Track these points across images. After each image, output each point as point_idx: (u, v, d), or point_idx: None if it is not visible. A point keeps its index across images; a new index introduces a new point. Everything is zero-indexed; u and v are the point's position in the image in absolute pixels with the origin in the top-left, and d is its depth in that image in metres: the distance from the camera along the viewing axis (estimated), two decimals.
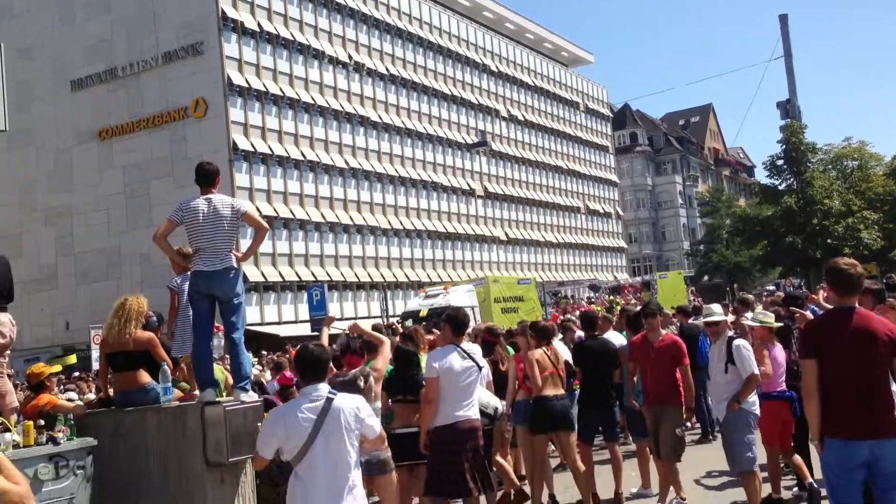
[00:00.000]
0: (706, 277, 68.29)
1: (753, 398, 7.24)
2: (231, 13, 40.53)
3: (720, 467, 8.48)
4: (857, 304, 4.78)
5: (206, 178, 6.67)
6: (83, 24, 43.90)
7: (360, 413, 4.49)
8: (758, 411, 7.27)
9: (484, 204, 56.79)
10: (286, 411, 4.55)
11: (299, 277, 41.55)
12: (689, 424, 9.90)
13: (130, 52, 42.43)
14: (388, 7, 50.91)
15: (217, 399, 6.24)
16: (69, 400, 7.71)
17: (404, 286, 47.42)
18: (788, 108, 29.28)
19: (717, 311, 7.76)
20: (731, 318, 8.67)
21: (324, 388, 4.47)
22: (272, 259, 41.28)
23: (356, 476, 4.47)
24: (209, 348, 6.71)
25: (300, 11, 44.77)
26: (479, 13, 61.26)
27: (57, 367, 7.83)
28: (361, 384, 6.61)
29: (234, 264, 6.41)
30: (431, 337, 9.14)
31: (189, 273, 6.62)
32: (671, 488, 7.92)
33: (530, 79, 64.16)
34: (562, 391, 8.02)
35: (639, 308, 10.17)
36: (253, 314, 39.95)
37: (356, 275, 45.34)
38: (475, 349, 7.48)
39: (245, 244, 7.23)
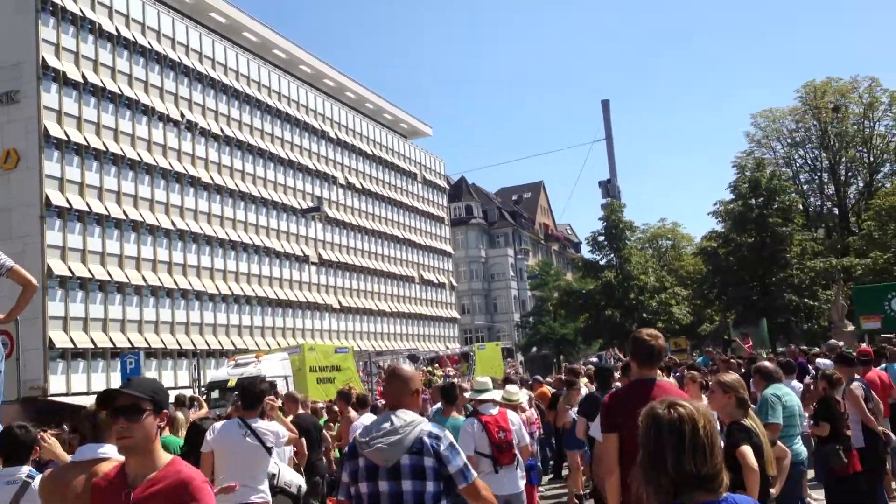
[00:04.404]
0: (535, 349, 70.21)
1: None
2: (52, 62, 38.28)
3: None
4: (657, 376, 4.79)
5: None
6: None
7: None
8: None
9: (318, 271, 55.97)
10: None
11: (113, 344, 38.90)
12: None
13: None
14: (225, 67, 49.95)
15: None
16: None
17: (230, 354, 45.46)
18: (609, 188, 31.00)
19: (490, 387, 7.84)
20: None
21: (24, 471, 4.34)
22: (83, 324, 38.47)
23: None
24: None
25: (130, 65, 42.98)
26: (320, 80, 61.46)
27: None
28: None
29: None
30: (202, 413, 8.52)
31: None
32: None
33: (369, 147, 64.71)
34: None
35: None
36: (58, 384, 36.95)
37: (178, 342, 43.04)
38: (272, 427, 7.02)
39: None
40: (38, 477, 4.30)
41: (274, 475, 7.46)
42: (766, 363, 8.60)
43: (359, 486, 3.89)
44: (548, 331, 66.37)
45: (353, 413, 11.41)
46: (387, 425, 3.89)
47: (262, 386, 7.43)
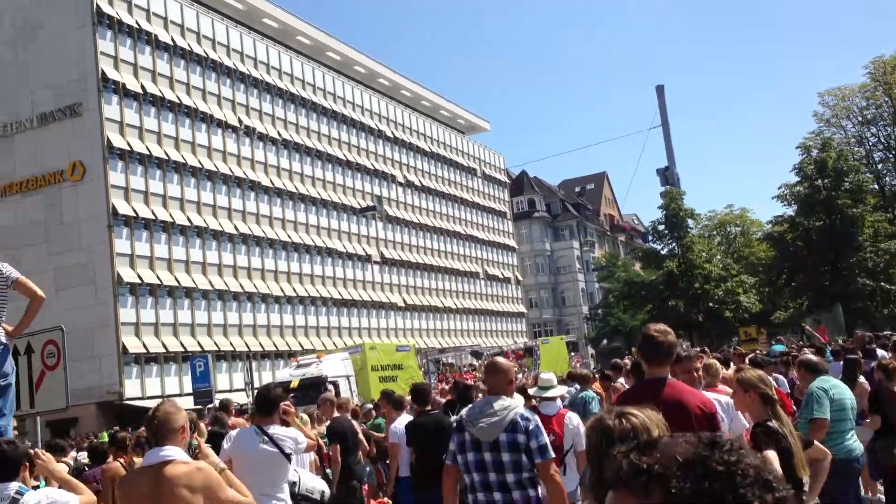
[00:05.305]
0: (605, 341, 69.14)
1: None
2: (112, 74, 39.32)
3: None
4: (668, 375, 4.43)
5: None
6: None
7: None
8: None
9: (380, 270, 56.20)
10: None
11: (184, 347, 39.72)
12: None
13: (4, 113, 40.50)
14: (279, 72, 50.56)
15: None
16: None
17: (294, 355, 46.03)
18: (667, 175, 30.14)
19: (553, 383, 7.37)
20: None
21: (13, 487, 4.23)
22: (154, 329, 39.43)
23: None
24: None
25: (187, 74, 43.86)
26: (374, 80, 61.69)
27: None
28: None
29: (2, 339, 5.82)
30: (241, 420, 8.39)
31: None
32: None
33: (427, 145, 64.68)
34: None
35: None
36: (133, 388, 37.92)
37: (246, 343, 43.72)
38: (290, 433, 6.83)
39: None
40: (28, 493, 4.25)
41: (294, 483, 7.28)
42: (810, 355, 8.02)
43: (466, 455, 4.77)
44: (617, 322, 65.22)
45: (392, 414, 11.21)
46: (488, 408, 4.75)
47: (276, 391, 7.27)
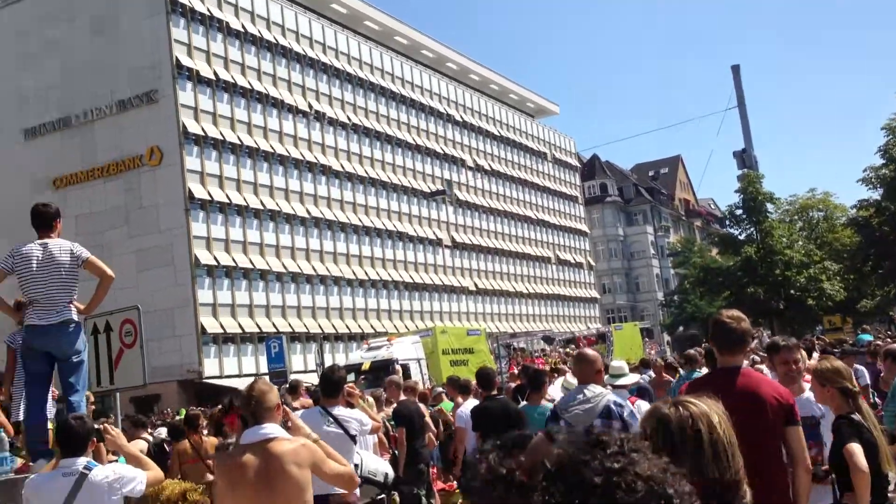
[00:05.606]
0: (681, 328, 67.77)
1: None
2: (186, 61, 40.15)
3: None
4: (742, 364, 4.17)
5: (41, 220, 6.13)
6: (36, 70, 43.23)
7: (115, 484, 4.38)
8: None
9: (451, 254, 56.24)
10: (41, 484, 4.47)
11: (259, 328, 40.53)
12: None
13: (85, 100, 41.77)
14: (348, 57, 50.85)
15: None
16: None
17: (365, 338, 46.52)
18: (745, 158, 29.08)
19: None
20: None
21: (81, 462, 4.35)
22: (231, 310, 40.33)
23: None
24: (44, 414, 6.08)
25: (258, 60, 44.51)
26: (442, 64, 61.51)
27: None
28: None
29: (74, 317, 5.87)
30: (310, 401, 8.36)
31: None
32: None
33: (496, 129, 64.30)
34: None
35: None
36: (212, 367, 38.93)
37: (319, 326, 44.37)
38: (355, 414, 6.78)
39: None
40: (95, 468, 4.35)
41: (357, 465, 7.21)
42: None
43: None
44: (694, 309, 63.80)
45: (459, 398, 11.11)
46: (580, 396, 4.90)
47: (340, 373, 7.23)
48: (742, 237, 43.85)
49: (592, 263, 75.98)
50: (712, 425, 2.05)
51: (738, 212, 42.94)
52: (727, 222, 46.44)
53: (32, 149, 43.04)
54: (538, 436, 1.09)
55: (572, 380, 8.74)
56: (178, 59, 39.77)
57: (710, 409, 2.09)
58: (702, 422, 2.05)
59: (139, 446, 9.48)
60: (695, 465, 1.95)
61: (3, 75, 44.18)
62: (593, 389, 4.96)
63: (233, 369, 39.50)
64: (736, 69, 27.00)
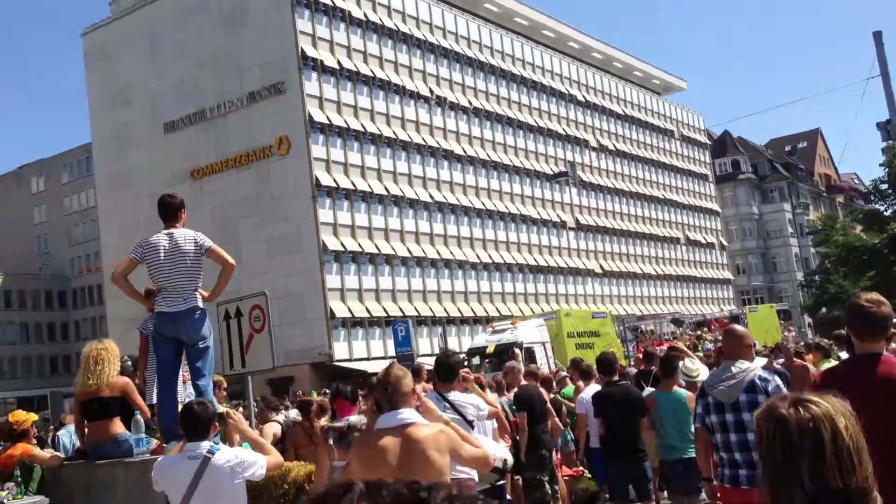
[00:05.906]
0: (824, 310, 64.22)
1: None
2: (311, 52, 41.11)
3: None
4: (883, 350, 3.81)
5: (168, 211, 6.35)
6: (172, 65, 45.38)
7: (237, 468, 4.45)
8: None
9: (576, 236, 55.38)
10: (167, 466, 4.58)
11: (386, 312, 41.26)
12: None
13: (217, 94, 43.54)
14: (468, 40, 50.71)
15: None
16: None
17: (489, 321, 46.53)
18: (889, 129, 26.86)
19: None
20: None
21: (205, 446, 4.43)
22: (358, 294, 41.21)
23: None
24: (174, 397, 6.32)
25: (379, 48, 45.07)
26: (564, 44, 60.42)
27: (35, 416, 7.35)
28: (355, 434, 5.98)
29: (200, 304, 6.07)
30: (419, 387, 8.16)
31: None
32: None
33: (620, 107, 62.70)
34: None
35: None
36: (341, 350, 39.93)
37: (445, 309, 44.71)
38: (471, 399, 6.61)
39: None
40: (219, 451, 4.45)
41: None
42: None
43: (710, 416, 5.01)
44: (837, 290, 60.31)
45: (580, 383, 10.79)
46: (728, 373, 4.96)
47: (455, 357, 7.07)
48: (888, 213, 41.39)
49: (725, 243, 73.15)
50: (837, 429, 1.82)
51: (884, 186, 40.73)
52: (871, 197, 43.73)
53: (171, 142, 45.27)
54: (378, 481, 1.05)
55: (691, 365, 8.29)
56: (303, 50, 40.80)
57: (836, 410, 1.86)
58: (825, 425, 1.82)
59: (273, 429, 9.69)
60: (815, 472, 1.80)
61: (142, 69, 46.58)
62: (740, 365, 4.97)
63: (362, 352, 40.38)
64: (878, 36, 25.03)
